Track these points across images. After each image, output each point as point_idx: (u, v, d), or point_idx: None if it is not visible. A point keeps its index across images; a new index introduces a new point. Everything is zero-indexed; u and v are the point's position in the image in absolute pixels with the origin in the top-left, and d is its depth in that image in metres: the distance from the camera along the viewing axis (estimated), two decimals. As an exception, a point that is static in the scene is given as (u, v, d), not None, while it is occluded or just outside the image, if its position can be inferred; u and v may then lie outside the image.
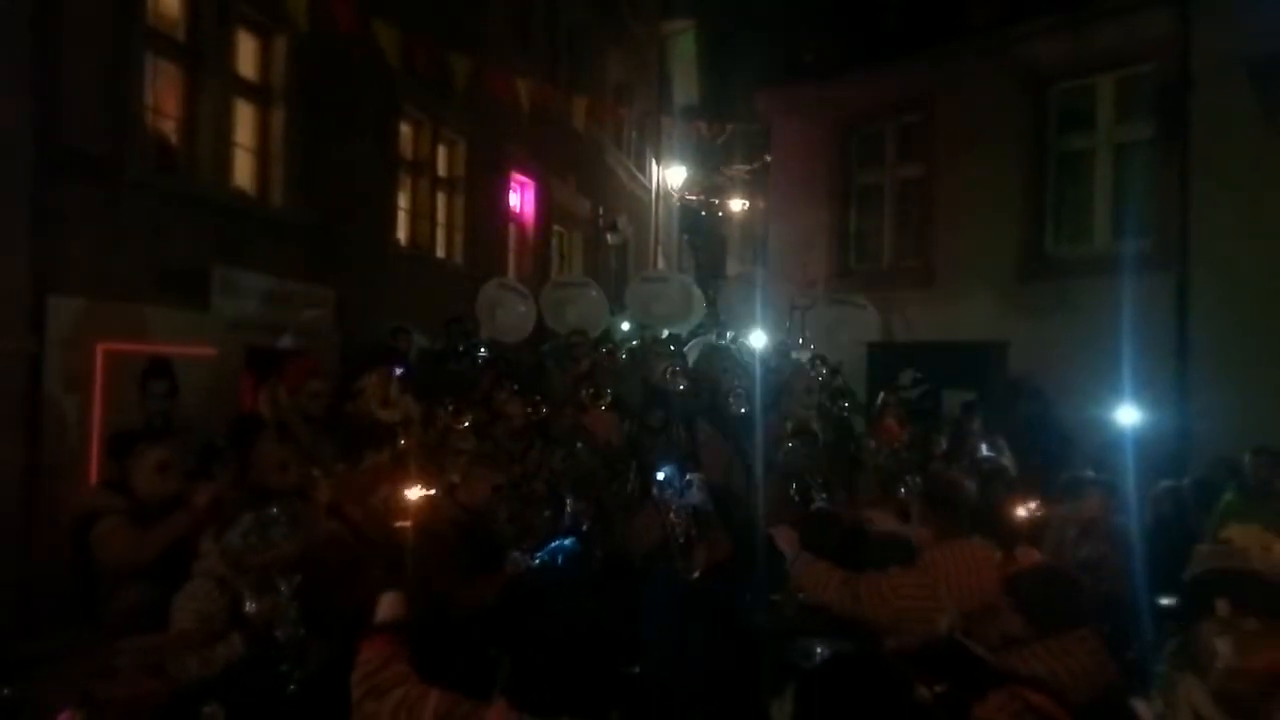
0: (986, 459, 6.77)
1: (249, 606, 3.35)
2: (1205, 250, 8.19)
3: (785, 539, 4.04)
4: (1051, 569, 3.15)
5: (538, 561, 4.62)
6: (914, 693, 2.83)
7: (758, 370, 8.10)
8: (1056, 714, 2.44)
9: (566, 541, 4.91)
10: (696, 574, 4.83)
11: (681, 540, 4.88)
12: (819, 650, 4.34)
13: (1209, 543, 2.44)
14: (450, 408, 6.48)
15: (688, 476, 5.17)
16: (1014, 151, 9.61)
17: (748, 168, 17.82)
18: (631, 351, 9.39)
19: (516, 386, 7.12)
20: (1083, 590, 2.91)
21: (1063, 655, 2.61)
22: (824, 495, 5.33)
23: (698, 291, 11.46)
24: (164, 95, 7.24)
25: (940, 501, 4.02)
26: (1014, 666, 2.63)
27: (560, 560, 4.78)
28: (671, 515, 4.94)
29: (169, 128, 7.30)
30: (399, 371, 7.51)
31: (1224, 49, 8.07)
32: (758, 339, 9.57)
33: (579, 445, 5.90)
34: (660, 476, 5.10)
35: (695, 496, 5.10)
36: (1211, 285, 8.08)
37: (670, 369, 8.07)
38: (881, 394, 7.84)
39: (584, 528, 5.08)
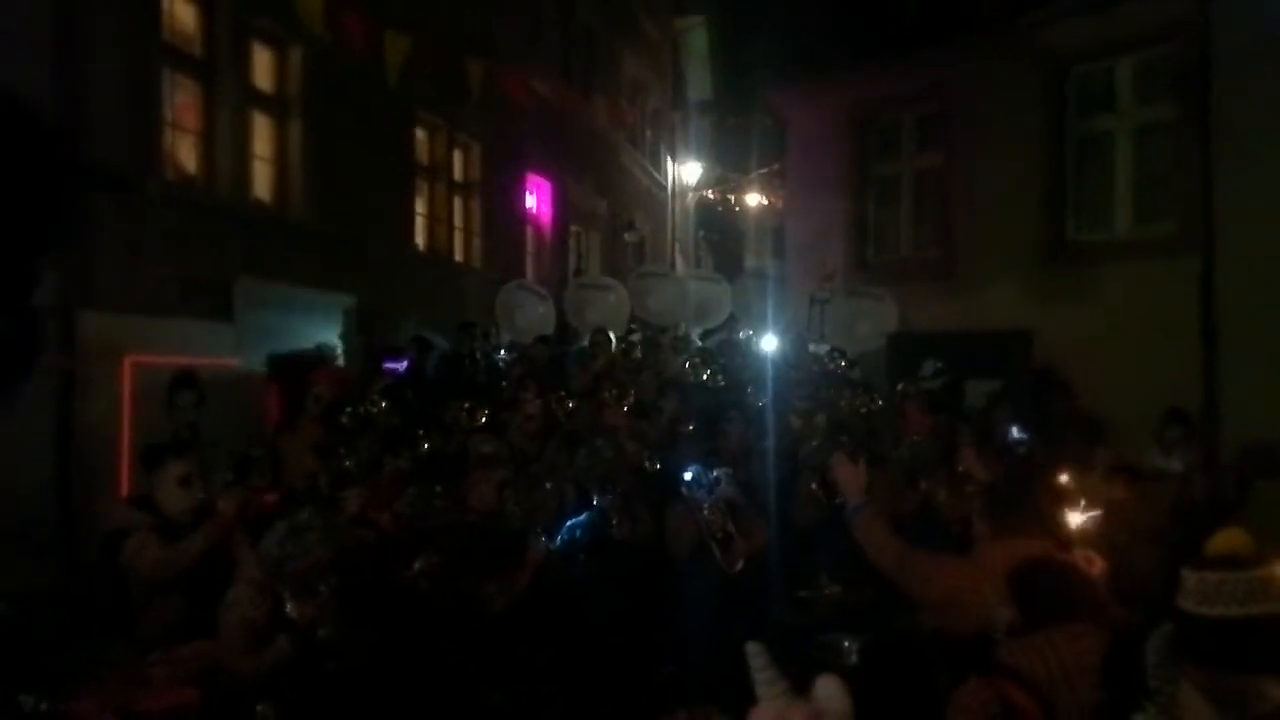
0: (1019, 441, 6.72)
1: (290, 610, 3.41)
2: (1232, 233, 8.05)
3: (849, 478, 3.75)
4: (1048, 561, 3.06)
5: (559, 542, 4.68)
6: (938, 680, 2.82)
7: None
8: (1029, 710, 2.40)
9: (581, 517, 4.97)
10: (739, 566, 4.85)
11: (719, 536, 4.90)
12: (846, 645, 4.35)
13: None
14: (466, 408, 6.51)
15: (715, 473, 5.19)
16: (1033, 137, 9.51)
17: (765, 170, 17.72)
18: (644, 346, 9.40)
19: (538, 385, 7.16)
20: (1076, 584, 2.83)
21: (1049, 651, 2.53)
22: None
23: (705, 288, 11.39)
24: (183, 110, 7.34)
25: (999, 497, 3.88)
26: (1000, 658, 2.60)
27: (579, 534, 4.84)
28: (705, 512, 4.96)
29: (188, 142, 7.39)
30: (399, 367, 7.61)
31: (1246, 27, 7.94)
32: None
33: (600, 442, 5.92)
34: (688, 476, 5.12)
35: (726, 491, 5.12)
36: (1239, 268, 7.95)
37: (691, 361, 8.10)
38: (900, 385, 7.79)
39: (614, 521, 5.11)
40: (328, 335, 8.08)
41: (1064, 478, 4.93)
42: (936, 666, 3.31)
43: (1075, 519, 4.43)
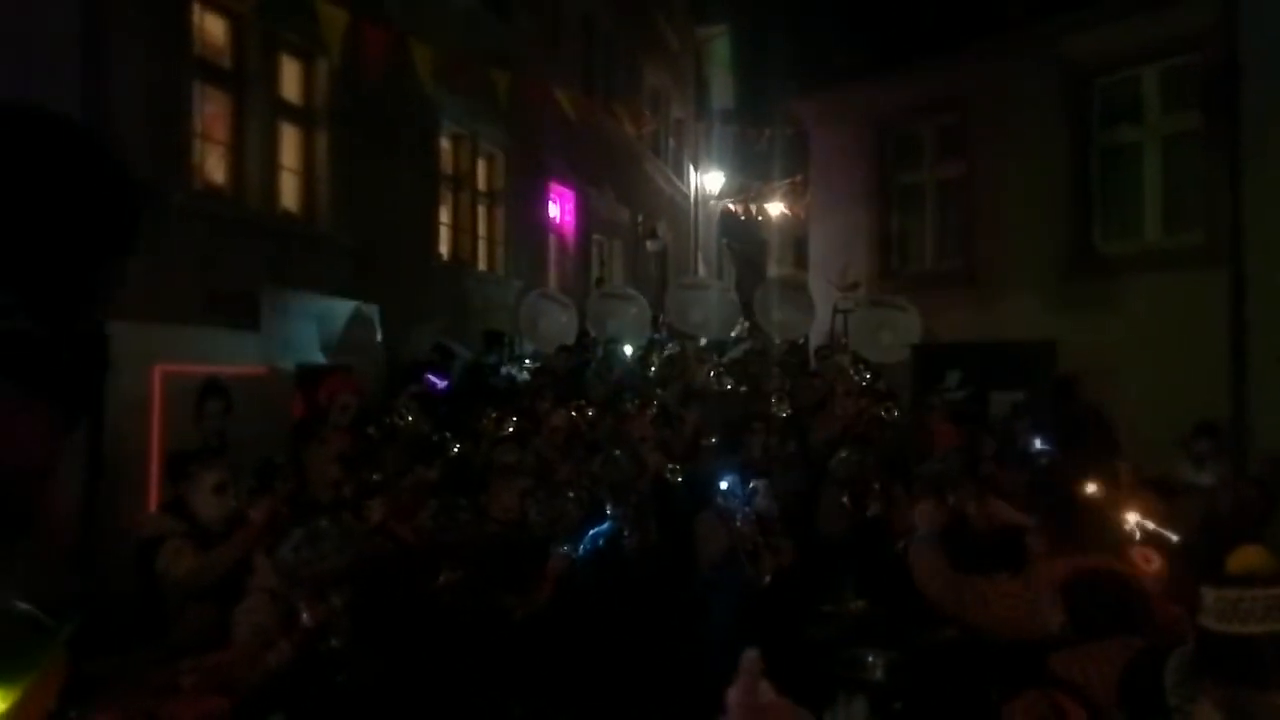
0: (1042, 451, 6.67)
1: (304, 618, 3.43)
2: (1261, 241, 7.96)
3: (927, 514, 3.86)
4: (1103, 572, 3.04)
5: (581, 551, 4.70)
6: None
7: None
8: None
9: (603, 526, 4.98)
10: (767, 580, 4.85)
11: (750, 548, 4.90)
12: (870, 660, 4.34)
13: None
14: (494, 416, 6.56)
15: (752, 484, 5.19)
16: (1057, 147, 9.45)
17: (788, 181, 17.72)
18: (670, 360, 9.40)
19: (555, 395, 7.19)
20: (1130, 596, 2.81)
21: (1101, 662, 2.50)
22: (877, 504, 5.29)
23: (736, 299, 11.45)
24: (212, 121, 7.44)
25: (1056, 511, 3.83)
26: (1054, 669, 2.58)
27: (601, 544, 4.86)
28: (738, 523, 4.96)
29: (217, 153, 7.49)
30: (442, 385, 7.66)
31: (1274, 34, 7.86)
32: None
33: (616, 452, 5.94)
34: (724, 486, 5.12)
35: (760, 503, 5.11)
36: (1268, 278, 7.85)
37: (713, 370, 8.10)
38: (925, 397, 7.75)
39: (625, 532, 5.12)
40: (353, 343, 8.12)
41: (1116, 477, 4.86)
42: (988, 680, 3.28)
43: (1133, 518, 4.34)
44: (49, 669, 1.03)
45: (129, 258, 1.04)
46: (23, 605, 0.99)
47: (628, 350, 9.48)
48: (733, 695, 1.06)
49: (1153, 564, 3.48)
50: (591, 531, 4.90)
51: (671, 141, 19.59)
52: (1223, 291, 8.06)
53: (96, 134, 0.99)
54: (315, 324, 7.61)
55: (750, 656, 1.01)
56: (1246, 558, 2.48)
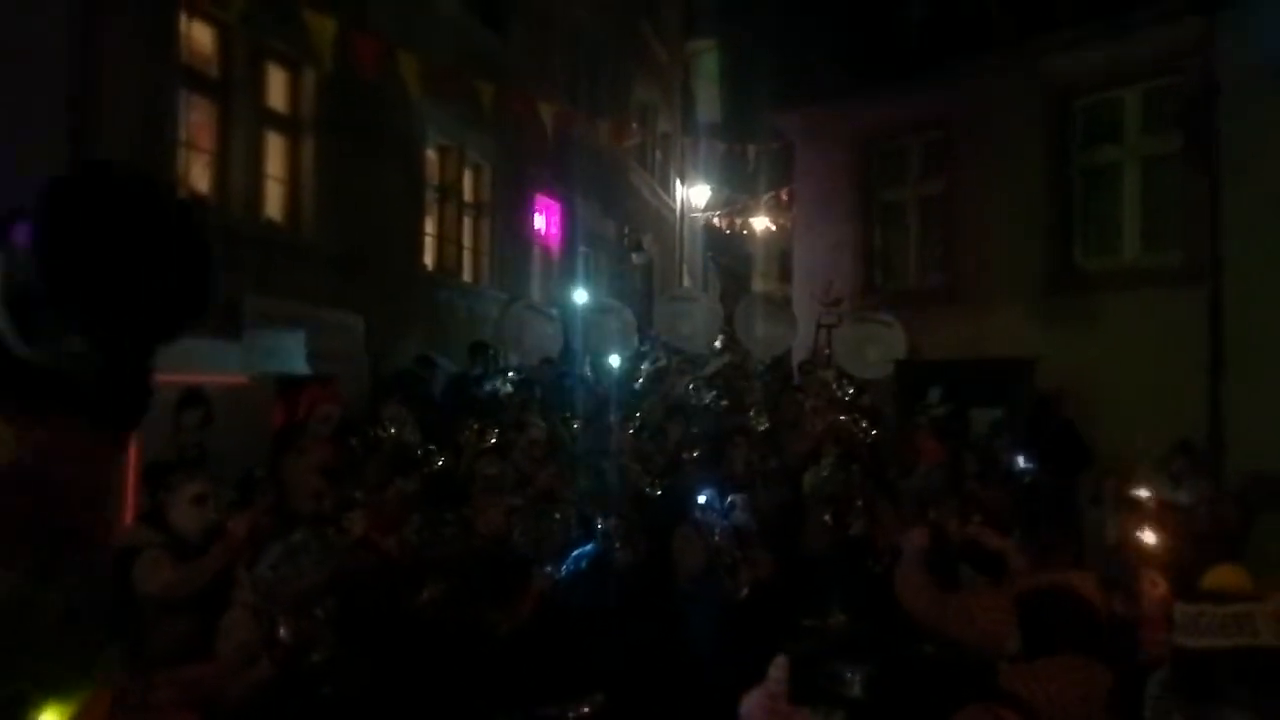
0: (1026, 470, 6.71)
1: (283, 633, 3.41)
2: (1238, 262, 8.08)
3: (917, 538, 3.88)
4: (1058, 589, 3.05)
5: (564, 572, 4.70)
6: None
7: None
8: None
9: (586, 547, 4.98)
10: (745, 592, 4.86)
11: (728, 561, 4.91)
12: (849, 675, 4.35)
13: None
14: (475, 428, 6.54)
15: (729, 498, 5.21)
16: (1039, 166, 9.56)
17: (773, 194, 17.79)
18: (658, 373, 9.41)
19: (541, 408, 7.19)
20: (1081, 616, 2.81)
21: (1046, 679, 2.53)
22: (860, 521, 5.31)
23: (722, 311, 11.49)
24: (198, 130, 7.41)
25: (1040, 528, 3.83)
26: (1002, 683, 2.60)
27: (583, 565, 4.87)
28: (716, 537, 4.97)
29: (202, 161, 7.46)
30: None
31: (1251, 58, 7.99)
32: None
33: (603, 465, 5.94)
34: (702, 500, 5.13)
35: (739, 517, 5.13)
36: (1245, 297, 7.96)
37: (693, 383, 8.12)
38: (913, 414, 7.79)
39: (616, 546, 5.11)
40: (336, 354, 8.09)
41: (1142, 492, 4.88)
42: (942, 693, 3.30)
43: (1149, 538, 4.31)
44: (101, 684, 1.04)
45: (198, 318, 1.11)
46: (76, 622, 1.01)
47: (613, 363, 9.49)
48: (756, 699, 1.08)
49: (1157, 588, 3.47)
50: (575, 552, 4.89)
51: (658, 154, 19.64)
52: (1201, 309, 8.16)
53: (184, 203, 1.03)
54: (298, 333, 7.56)
55: (780, 663, 1.04)
56: (1221, 576, 2.50)
